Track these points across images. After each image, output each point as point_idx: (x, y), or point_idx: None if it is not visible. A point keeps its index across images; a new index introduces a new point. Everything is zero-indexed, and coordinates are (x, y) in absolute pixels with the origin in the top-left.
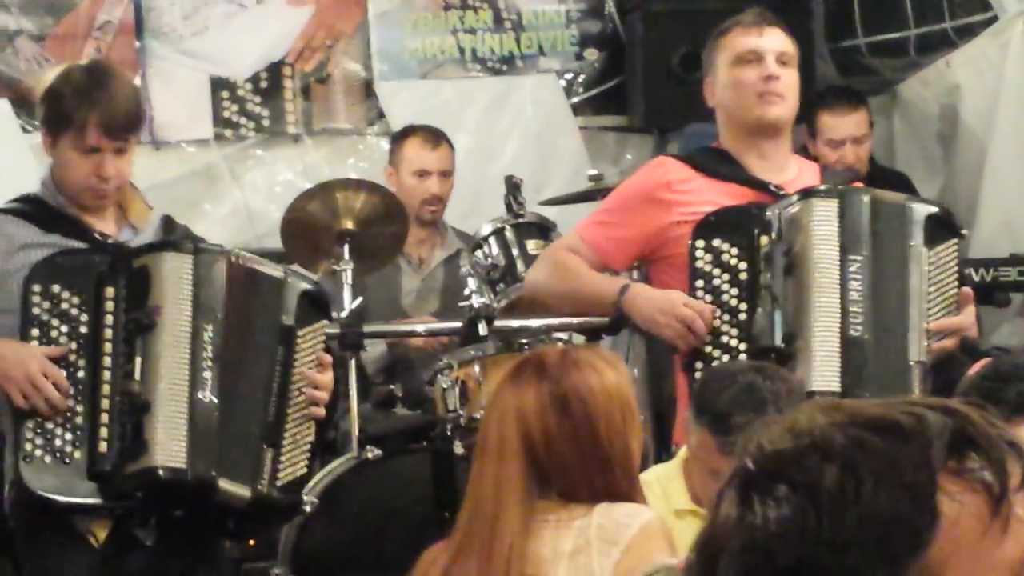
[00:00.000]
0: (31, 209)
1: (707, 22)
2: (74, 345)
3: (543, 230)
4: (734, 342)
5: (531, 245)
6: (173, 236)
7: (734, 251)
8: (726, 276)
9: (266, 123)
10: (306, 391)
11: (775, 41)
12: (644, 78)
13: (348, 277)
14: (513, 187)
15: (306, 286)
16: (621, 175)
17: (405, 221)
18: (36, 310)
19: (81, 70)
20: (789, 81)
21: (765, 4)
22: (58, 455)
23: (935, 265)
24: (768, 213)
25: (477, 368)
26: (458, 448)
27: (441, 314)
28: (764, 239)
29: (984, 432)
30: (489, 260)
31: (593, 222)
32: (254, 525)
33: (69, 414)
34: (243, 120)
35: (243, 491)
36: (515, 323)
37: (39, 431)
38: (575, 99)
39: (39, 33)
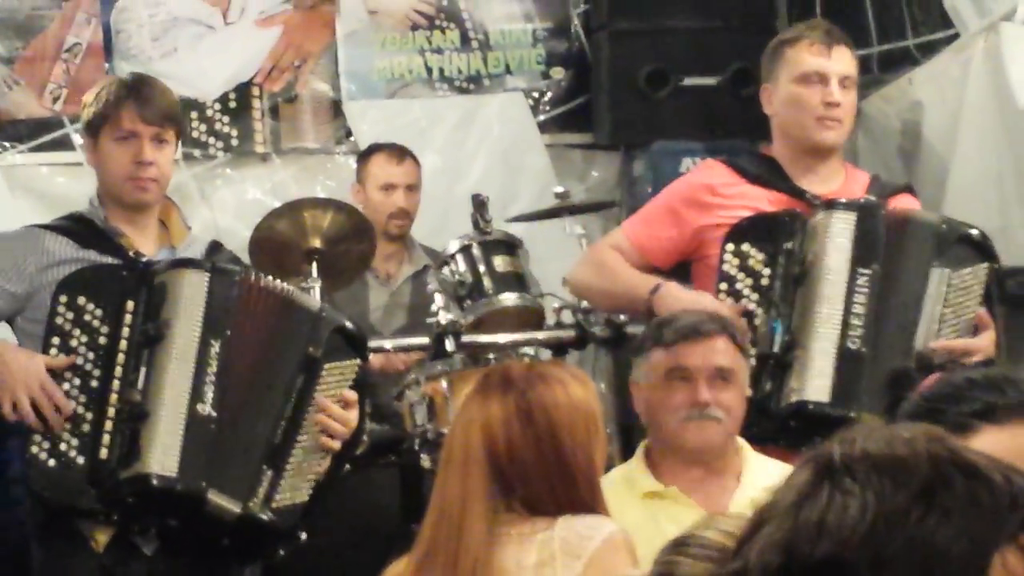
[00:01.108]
0: (72, 226)
1: (672, 40)
2: (91, 355)
3: (510, 247)
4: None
5: (498, 262)
6: (218, 260)
7: (760, 257)
8: (749, 280)
9: (235, 143)
10: (322, 420)
11: (841, 64)
12: (610, 96)
13: (316, 295)
14: (480, 205)
15: (343, 323)
16: (587, 192)
17: (373, 239)
18: (59, 319)
19: (120, 78)
20: (848, 105)
21: (731, 23)
22: (62, 460)
23: (956, 287)
24: (795, 222)
25: (444, 383)
26: (426, 462)
27: (408, 330)
28: (785, 247)
29: None
30: (456, 277)
31: (638, 220)
32: (250, 545)
33: (78, 421)
34: (212, 140)
35: (233, 506)
36: (482, 339)
37: (47, 436)
38: (542, 117)
39: (8, 55)
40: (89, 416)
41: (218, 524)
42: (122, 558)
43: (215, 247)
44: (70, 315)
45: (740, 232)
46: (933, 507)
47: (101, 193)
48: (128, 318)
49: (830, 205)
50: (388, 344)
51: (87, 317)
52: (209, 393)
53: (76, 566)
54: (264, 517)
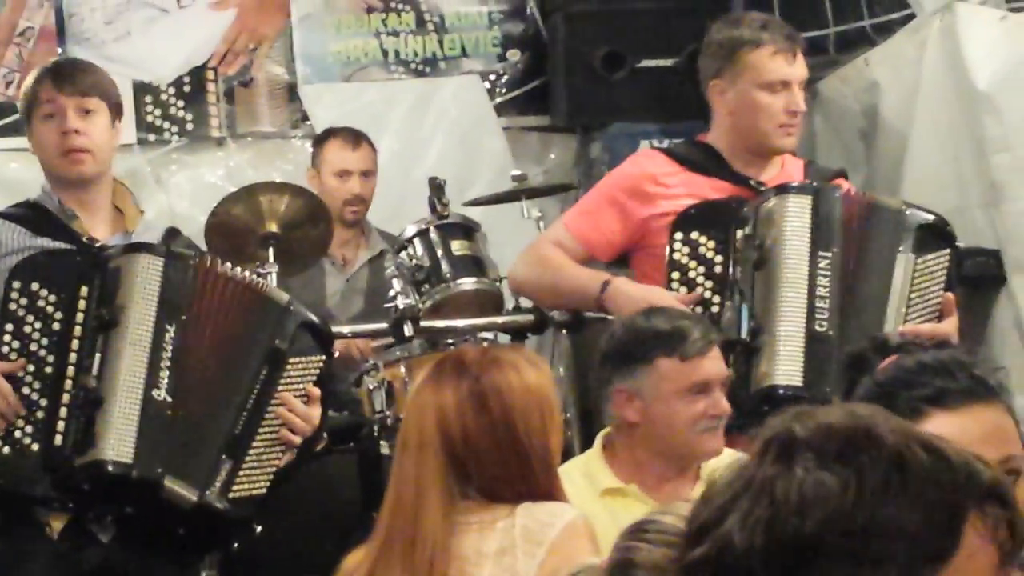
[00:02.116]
0: (24, 213)
1: (628, 22)
2: (45, 341)
3: (467, 231)
4: None
5: (455, 246)
6: (174, 245)
7: (711, 244)
8: (701, 269)
9: (190, 127)
10: (284, 415)
11: (802, 68)
12: (566, 78)
13: (273, 280)
14: (437, 188)
15: (310, 318)
16: (545, 175)
17: (329, 224)
18: (13, 306)
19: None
20: (804, 105)
21: (687, 5)
22: (17, 447)
23: (921, 272)
24: (745, 208)
25: (403, 369)
26: (385, 449)
27: (365, 315)
28: (739, 233)
29: (1010, 496)
30: (414, 261)
31: (578, 213)
32: (206, 534)
33: (33, 407)
34: (166, 124)
35: (189, 494)
36: (440, 323)
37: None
38: (498, 100)
39: None
40: (43, 403)
41: (174, 511)
42: (77, 545)
43: (172, 233)
44: (24, 301)
45: (688, 220)
46: (907, 478)
47: (47, 177)
48: (82, 303)
49: (783, 190)
50: (346, 330)
51: (41, 303)
52: (164, 379)
53: (31, 553)
54: (221, 506)
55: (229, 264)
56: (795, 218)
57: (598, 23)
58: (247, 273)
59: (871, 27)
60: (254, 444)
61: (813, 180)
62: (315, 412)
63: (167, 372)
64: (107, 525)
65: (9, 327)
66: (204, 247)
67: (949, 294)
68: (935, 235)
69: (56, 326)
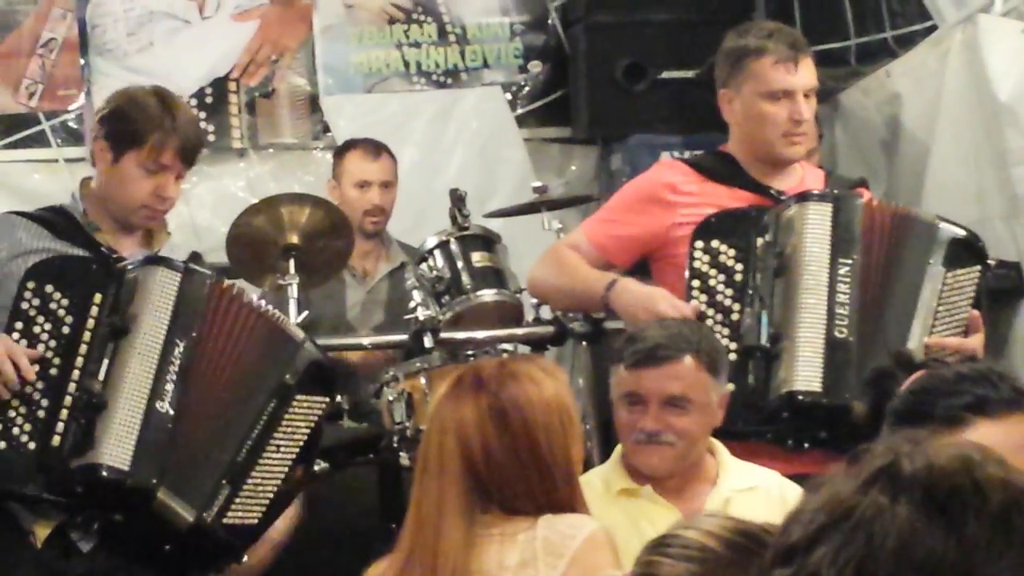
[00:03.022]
0: (50, 216)
1: (649, 34)
2: (53, 344)
3: (488, 242)
4: (725, 341)
5: (476, 257)
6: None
7: (731, 252)
8: (722, 277)
9: (211, 138)
10: (289, 462)
11: (805, 77)
12: (588, 90)
13: (294, 291)
14: (458, 200)
15: (320, 359)
16: (566, 186)
17: (350, 235)
18: (25, 305)
19: (148, 93)
20: (812, 115)
21: (708, 16)
22: (13, 443)
23: (951, 287)
24: (765, 216)
25: (423, 380)
26: (404, 460)
27: (386, 327)
28: (759, 241)
29: None
30: (434, 273)
31: (597, 219)
32: (193, 555)
33: (33, 407)
34: None
35: (187, 513)
36: (461, 335)
37: (0, 418)
38: (519, 111)
39: None
40: (45, 403)
41: (165, 527)
42: (61, 554)
43: (195, 257)
44: (36, 302)
45: (708, 229)
46: (1011, 537)
47: (95, 197)
48: (95, 310)
49: (803, 197)
50: (366, 341)
51: (53, 306)
52: (169, 392)
53: (13, 561)
54: (217, 530)
55: (246, 291)
56: (815, 225)
57: (619, 35)
58: (263, 302)
59: (893, 39)
60: (253, 474)
61: (834, 189)
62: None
63: (172, 385)
64: (90, 534)
65: (19, 325)
66: (225, 258)
67: (975, 311)
68: (967, 250)
69: (66, 329)
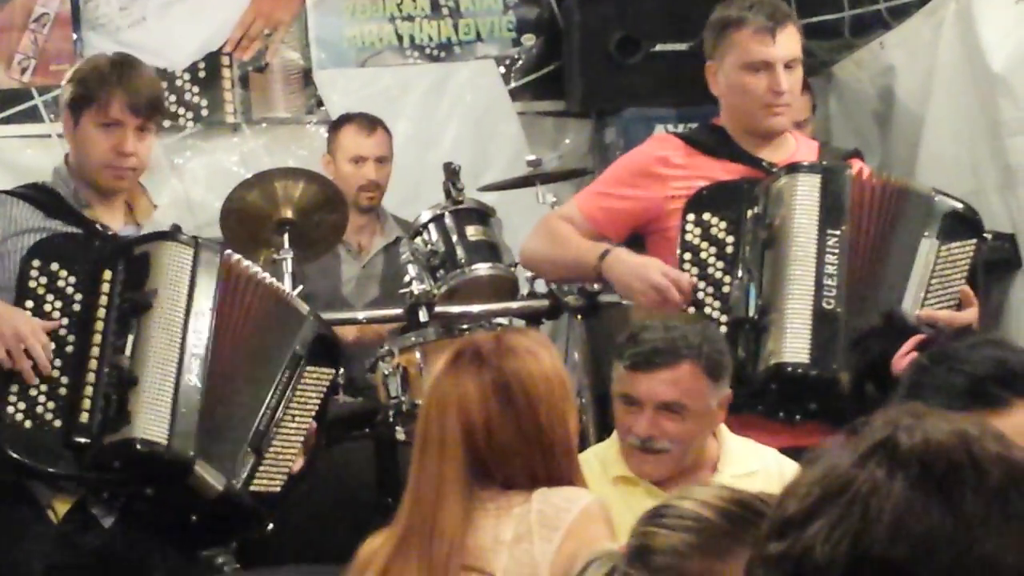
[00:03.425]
0: (38, 195)
1: (643, 6)
2: (65, 321)
3: (482, 216)
4: (715, 313)
5: (470, 231)
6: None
7: (722, 225)
8: (713, 249)
9: (205, 113)
10: (305, 431)
11: (785, 48)
12: (581, 63)
13: (288, 266)
14: (452, 174)
15: (326, 331)
16: (559, 160)
17: (345, 209)
18: (32, 283)
19: (106, 57)
20: (795, 85)
21: None
22: (38, 421)
23: (945, 259)
24: (756, 188)
25: (418, 354)
26: (400, 434)
27: (380, 301)
28: (749, 212)
29: None
30: (429, 247)
31: (590, 192)
32: (217, 525)
33: (54, 385)
34: (182, 110)
35: (216, 482)
36: (455, 309)
37: (22, 396)
38: (513, 84)
39: None
40: (65, 380)
41: (195, 498)
42: (80, 528)
43: (176, 230)
44: (43, 280)
45: (700, 201)
46: (1009, 515)
47: (73, 168)
48: (106, 287)
49: (793, 169)
50: (361, 316)
51: (60, 283)
52: (196, 365)
53: (31, 534)
54: (244, 497)
55: (249, 261)
56: (804, 196)
57: (612, 7)
58: (268, 274)
59: (886, 10)
60: (274, 443)
61: (827, 160)
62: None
63: (198, 360)
64: (111, 509)
65: (29, 304)
66: (220, 233)
67: (967, 288)
68: (962, 223)
69: (76, 307)
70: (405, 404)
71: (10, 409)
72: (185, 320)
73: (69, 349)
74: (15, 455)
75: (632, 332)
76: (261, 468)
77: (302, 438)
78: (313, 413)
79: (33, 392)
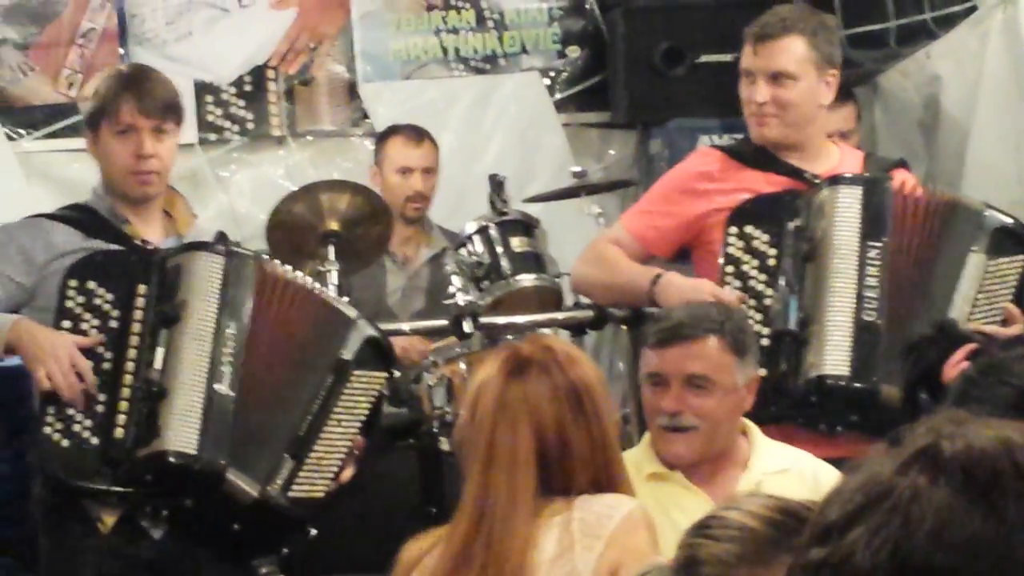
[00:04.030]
0: (76, 215)
1: (688, 17)
2: (102, 338)
3: (527, 227)
4: (758, 326)
5: (515, 243)
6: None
7: (765, 237)
8: (755, 262)
9: (250, 126)
10: (353, 436)
11: (766, 60)
12: (626, 74)
13: (334, 278)
14: (497, 185)
15: (375, 335)
16: (604, 171)
17: (390, 221)
18: (70, 303)
19: (117, 69)
20: (786, 98)
21: (749, 0)
22: (76, 439)
23: (992, 275)
24: (798, 200)
25: (463, 365)
26: (444, 445)
27: (426, 312)
28: (790, 225)
29: None
30: (474, 258)
31: (636, 212)
32: (259, 532)
33: (91, 402)
34: (227, 124)
35: (251, 488)
36: (501, 320)
37: (60, 416)
38: (558, 96)
39: (23, 42)
40: (102, 397)
41: (232, 506)
42: (130, 540)
43: (221, 238)
44: (80, 299)
45: (743, 214)
46: None
47: (106, 183)
48: (141, 301)
49: (834, 181)
50: (406, 327)
51: (97, 301)
52: (227, 374)
53: (84, 548)
54: (281, 503)
55: (290, 267)
56: (846, 208)
57: (657, 18)
58: (311, 280)
59: (932, 20)
60: (315, 448)
61: (872, 171)
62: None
63: (229, 368)
64: (160, 520)
65: (66, 324)
66: (265, 246)
67: (1011, 306)
68: (1012, 239)
69: (113, 323)
70: (449, 415)
71: (47, 430)
72: (216, 329)
73: (106, 366)
74: (55, 474)
75: (656, 316)
76: (302, 474)
77: (349, 443)
78: (363, 418)
79: (70, 411)
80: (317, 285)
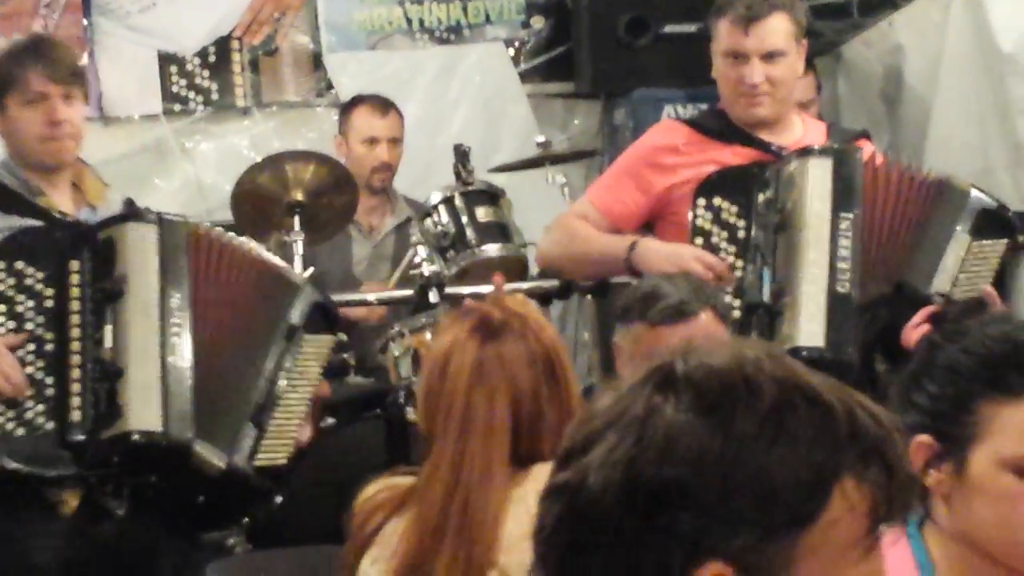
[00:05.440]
0: None
1: None
2: (40, 319)
3: (492, 197)
4: (729, 298)
5: (480, 213)
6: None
7: (733, 209)
8: (724, 234)
9: (215, 97)
10: (306, 401)
11: (761, 40)
12: (590, 44)
13: (299, 248)
14: (462, 155)
15: (321, 299)
16: (569, 141)
17: (355, 192)
18: (1, 287)
19: (17, 40)
20: (778, 75)
21: None
22: (30, 427)
23: (975, 255)
24: (767, 172)
25: (429, 335)
26: (411, 415)
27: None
28: (761, 197)
29: (898, 457)
30: (439, 228)
31: (602, 186)
32: (227, 503)
33: (39, 387)
34: (192, 94)
35: (218, 460)
36: (466, 290)
37: (10, 404)
38: (522, 67)
39: None
40: (50, 380)
41: (199, 478)
42: (93, 519)
43: (129, 204)
44: (11, 281)
45: (710, 186)
46: (780, 434)
47: (13, 156)
48: (75, 278)
49: (804, 152)
50: (371, 296)
51: (29, 281)
52: (179, 345)
53: (45, 532)
54: (247, 472)
55: (221, 230)
56: (816, 180)
57: None
58: (246, 242)
59: None
60: (275, 415)
61: (835, 142)
62: (322, 387)
63: (179, 339)
64: (122, 498)
65: (1, 308)
66: (230, 216)
67: (990, 288)
68: (996, 222)
69: (49, 303)
70: (415, 385)
71: (0, 420)
72: (161, 301)
73: (49, 347)
74: (13, 465)
75: (644, 293)
76: (264, 442)
77: (305, 408)
78: (316, 382)
79: (20, 398)
80: (254, 246)
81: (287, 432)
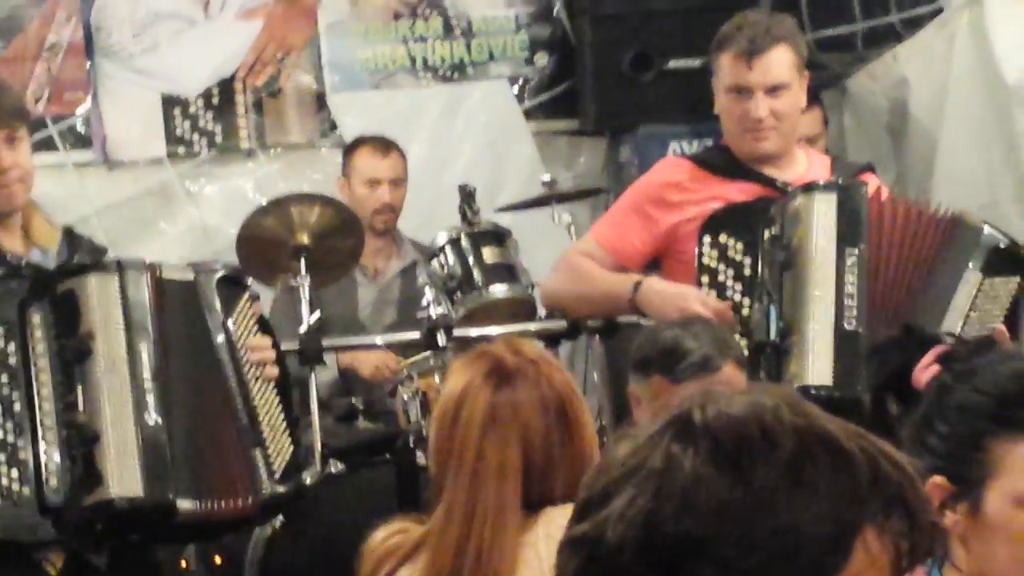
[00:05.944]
0: None
1: (655, 23)
2: (5, 378)
3: (499, 237)
4: (736, 336)
5: (487, 253)
6: (79, 250)
7: (739, 246)
8: (731, 271)
9: (219, 139)
10: (253, 359)
11: (765, 74)
12: (595, 81)
13: (305, 292)
14: (467, 196)
15: (220, 272)
16: (575, 179)
17: (360, 233)
18: None
19: None
20: (782, 108)
21: (715, 4)
22: (5, 494)
23: (986, 293)
24: (772, 208)
25: (437, 379)
26: (421, 459)
27: (398, 325)
28: (766, 234)
29: (920, 503)
30: (446, 270)
31: (606, 224)
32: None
33: (11, 451)
34: (196, 137)
35: (190, 505)
36: (474, 332)
37: None
38: (527, 104)
39: None
40: (21, 443)
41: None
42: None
43: (69, 234)
44: None
45: (716, 223)
46: (800, 485)
47: None
48: (38, 332)
49: (809, 188)
50: (379, 340)
51: None
52: (151, 401)
53: None
54: (279, 492)
55: (163, 263)
56: (821, 216)
57: (625, 25)
58: (163, 264)
59: (899, 22)
60: (261, 418)
61: (839, 176)
62: (267, 341)
63: (152, 394)
64: (103, 551)
65: None
66: (236, 259)
67: (1002, 326)
68: (1007, 260)
69: (12, 360)
70: (425, 429)
71: None
72: (130, 356)
73: (17, 408)
74: None
75: (667, 347)
76: (270, 451)
77: (278, 399)
78: (275, 376)
79: None
80: (166, 265)
81: (277, 421)
